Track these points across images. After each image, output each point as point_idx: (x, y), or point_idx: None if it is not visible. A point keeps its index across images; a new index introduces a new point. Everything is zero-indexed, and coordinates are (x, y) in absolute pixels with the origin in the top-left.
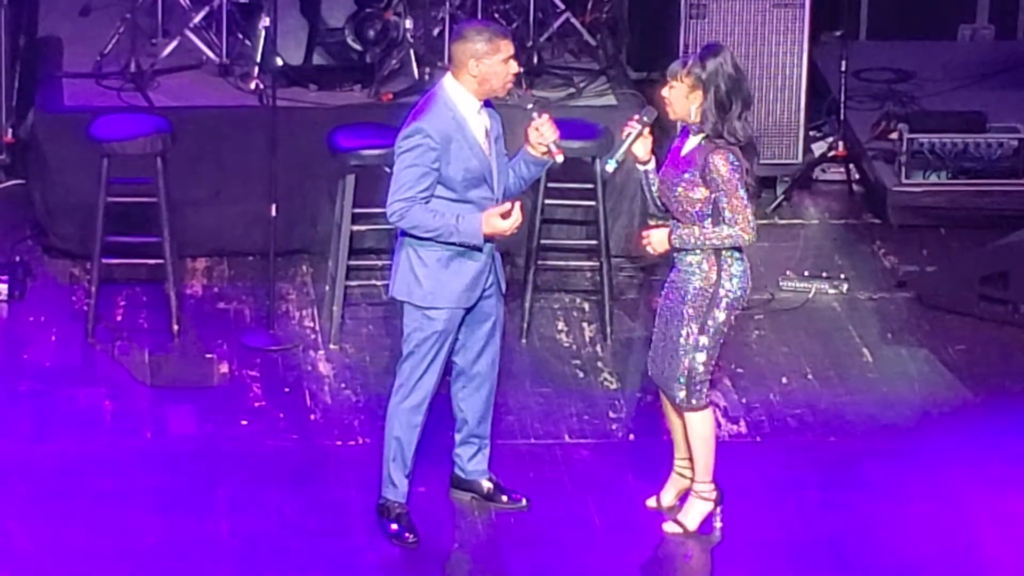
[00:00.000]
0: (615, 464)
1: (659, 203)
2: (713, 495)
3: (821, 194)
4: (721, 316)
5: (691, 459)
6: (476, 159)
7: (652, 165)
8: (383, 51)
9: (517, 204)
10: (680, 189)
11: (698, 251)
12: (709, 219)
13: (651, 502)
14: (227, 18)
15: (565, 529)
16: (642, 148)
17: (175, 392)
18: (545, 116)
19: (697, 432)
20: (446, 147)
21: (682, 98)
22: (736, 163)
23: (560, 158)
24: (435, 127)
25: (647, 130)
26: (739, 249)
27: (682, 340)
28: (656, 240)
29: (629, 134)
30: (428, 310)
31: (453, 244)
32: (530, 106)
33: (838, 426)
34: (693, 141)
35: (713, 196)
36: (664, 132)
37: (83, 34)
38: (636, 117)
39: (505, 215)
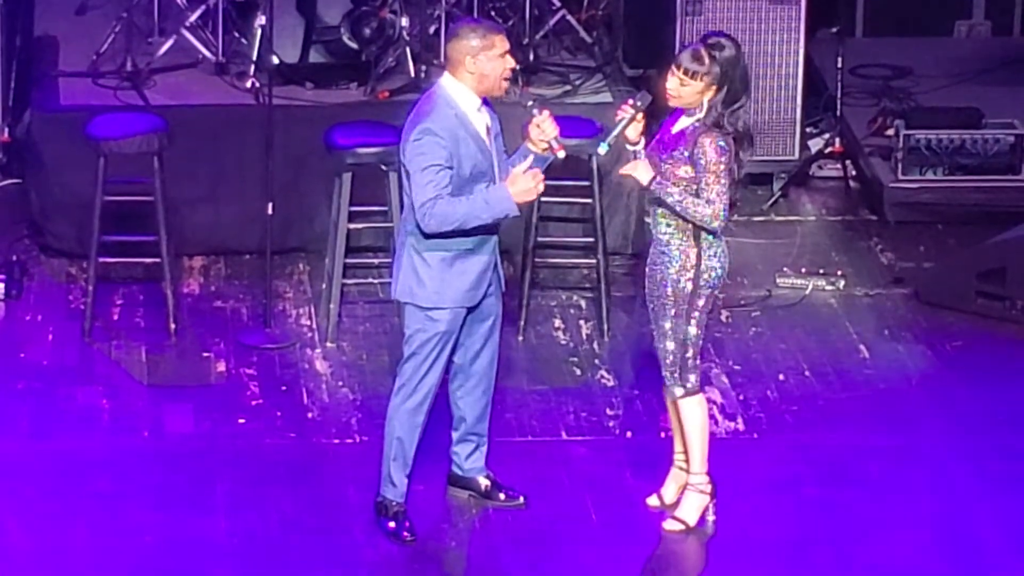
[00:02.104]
0: (612, 461)
1: None
2: (708, 488)
3: (818, 190)
4: (703, 300)
5: (685, 451)
6: (481, 155)
7: (641, 146)
8: (379, 49)
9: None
10: (666, 167)
11: (676, 233)
12: (696, 196)
13: (652, 501)
14: (223, 16)
15: (562, 526)
16: (633, 131)
17: (172, 391)
18: (546, 112)
19: (690, 419)
20: (455, 144)
21: (695, 93)
22: (725, 148)
23: (562, 154)
24: (441, 125)
25: (640, 114)
26: (715, 232)
27: (668, 328)
28: (640, 170)
29: (623, 118)
30: (431, 311)
31: (475, 231)
32: (530, 103)
33: (835, 423)
34: (686, 121)
35: (697, 177)
36: (655, 119)
37: (79, 33)
38: (630, 101)
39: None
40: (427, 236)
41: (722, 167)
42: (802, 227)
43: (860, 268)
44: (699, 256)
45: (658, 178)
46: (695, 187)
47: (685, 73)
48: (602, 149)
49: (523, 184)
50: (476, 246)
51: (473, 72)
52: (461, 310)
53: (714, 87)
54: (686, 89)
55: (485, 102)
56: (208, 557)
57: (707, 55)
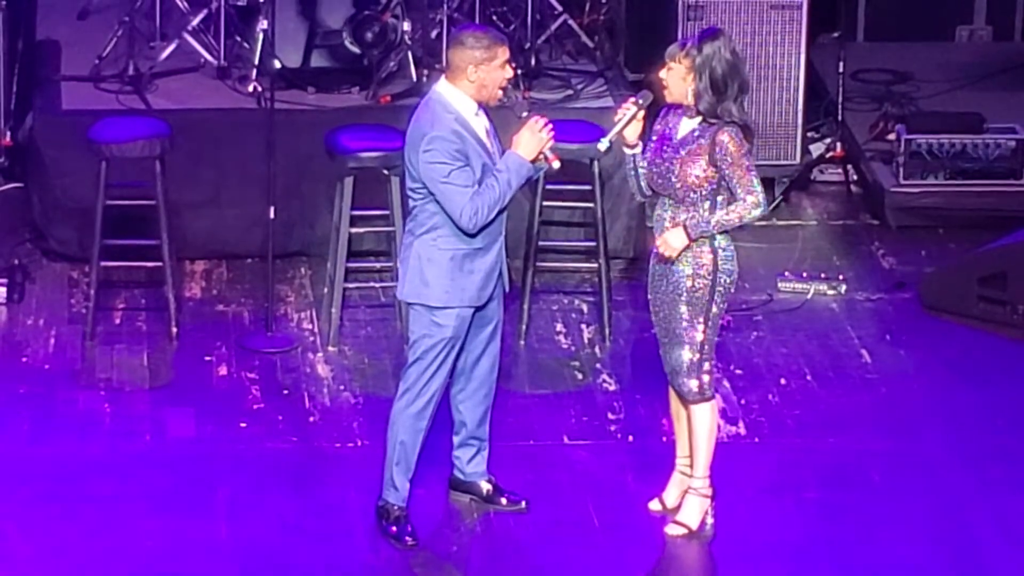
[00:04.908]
0: (614, 465)
1: (645, 188)
2: (709, 491)
3: (819, 195)
4: (721, 304)
5: (691, 455)
6: (486, 154)
7: (639, 150)
8: (381, 53)
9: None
10: (677, 168)
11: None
12: (713, 198)
13: (654, 505)
14: (225, 21)
15: (564, 530)
16: (632, 132)
17: (174, 394)
18: (536, 117)
19: (702, 424)
20: (463, 144)
21: (679, 80)
22: (742, 137)
23: (557, 164)
24: (447, 129)
25: (641, 113)
26: (727, 234)
27: (685, 334)
28: (672, 239)
29: (623, 116)
30: (439, 314)
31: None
32: (524, 114)
33: (836, 427)
34: (689, 124)
35: (724, 174)
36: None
37: (81, 37)
38: (632, 99)
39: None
40: (472, 235)
41: (746, 157)
42: (803, 231)
43: (861, 272)
44: (715, 260)
45: (688, 226)
46: (715, 184)
47: (669, 59)
48: (602, 146)
49: (526, 141)
50: (485, 245)
51: (473, 81)
52: (468, 313)
53: (693, 73)
54: (672, 75)
55: (479, 105)
56: (209, 561)
57: (688, 43)
